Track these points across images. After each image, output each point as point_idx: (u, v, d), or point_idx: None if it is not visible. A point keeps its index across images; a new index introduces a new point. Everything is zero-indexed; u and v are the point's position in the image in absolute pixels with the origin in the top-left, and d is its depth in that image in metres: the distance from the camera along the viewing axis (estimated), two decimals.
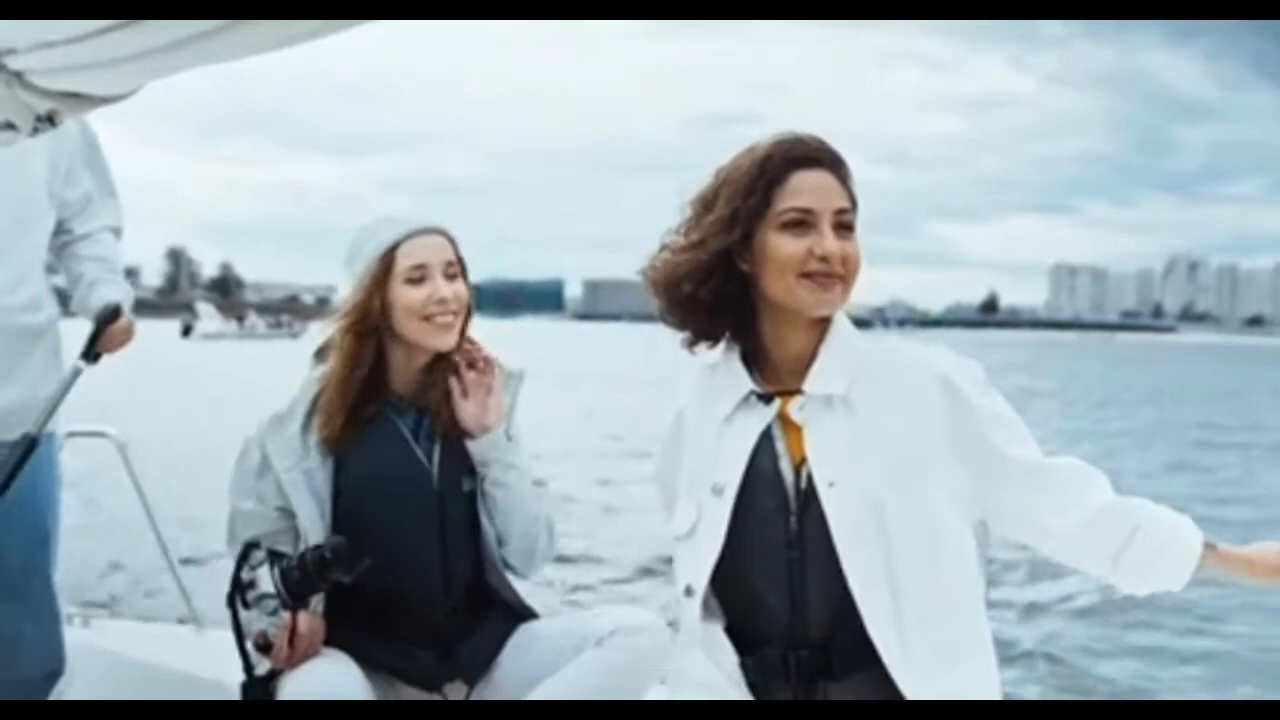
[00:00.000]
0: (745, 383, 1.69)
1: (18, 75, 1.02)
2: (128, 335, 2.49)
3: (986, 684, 1.61)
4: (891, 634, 1.55)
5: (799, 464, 1.63)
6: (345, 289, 2.09)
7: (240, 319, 77.77)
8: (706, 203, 1.68)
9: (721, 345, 1.73)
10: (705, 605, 1.66)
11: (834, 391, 1.64)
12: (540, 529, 2.10)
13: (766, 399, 1.67)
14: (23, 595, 2.43)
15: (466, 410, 2.05)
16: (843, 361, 1.66)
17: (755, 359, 1.72)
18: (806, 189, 1.63)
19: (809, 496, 1.61)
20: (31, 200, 2.42)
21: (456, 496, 2.06)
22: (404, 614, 2.03)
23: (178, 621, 2.97)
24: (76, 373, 2.35)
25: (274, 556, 1.95)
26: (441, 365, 2.08)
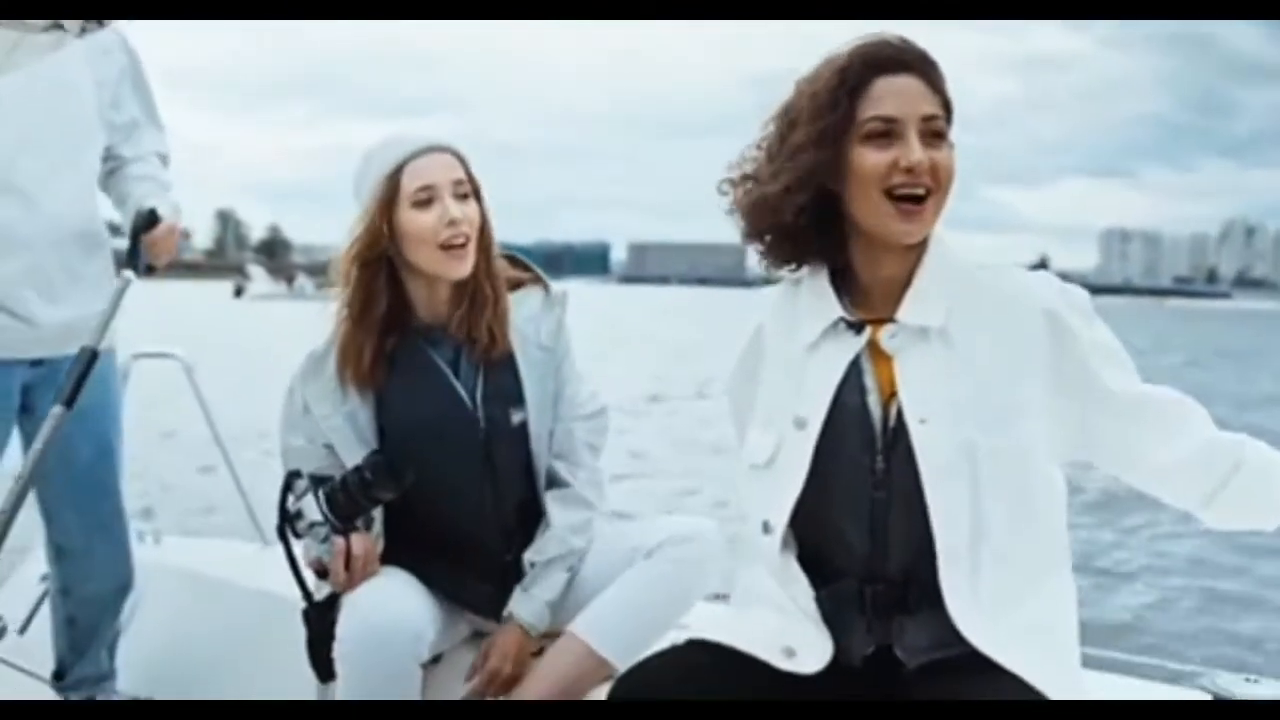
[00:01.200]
0: (834, 308, 1.59)
1: None
2: (171, 242, 2.48)
3: (1053, 625, 1.52)
4: (962, 579, 1.48)
5: (888, 399, 1.54)
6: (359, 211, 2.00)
7: (290, 280, 78.62)
8: (790, 120, 1.57)
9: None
10: (782, 539, 1.59)
11: (930, 323, 1.54)
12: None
13: (856, 327, 1.57)
14: (91, 508, 2.50)
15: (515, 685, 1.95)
16: (940, 288, 1.55)
17: (844, 281, 1.61)
18: (889, 95, 1.51)
19: (898, 434, 1.52)
20: (83, 119, 2.45)
21: (503, 430, 2.02)
22: (460, 547, 2.02)
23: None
24: (126, 283, 2.36)
25: (317, 482, 1.94)
26: (469, 291, 2.00)
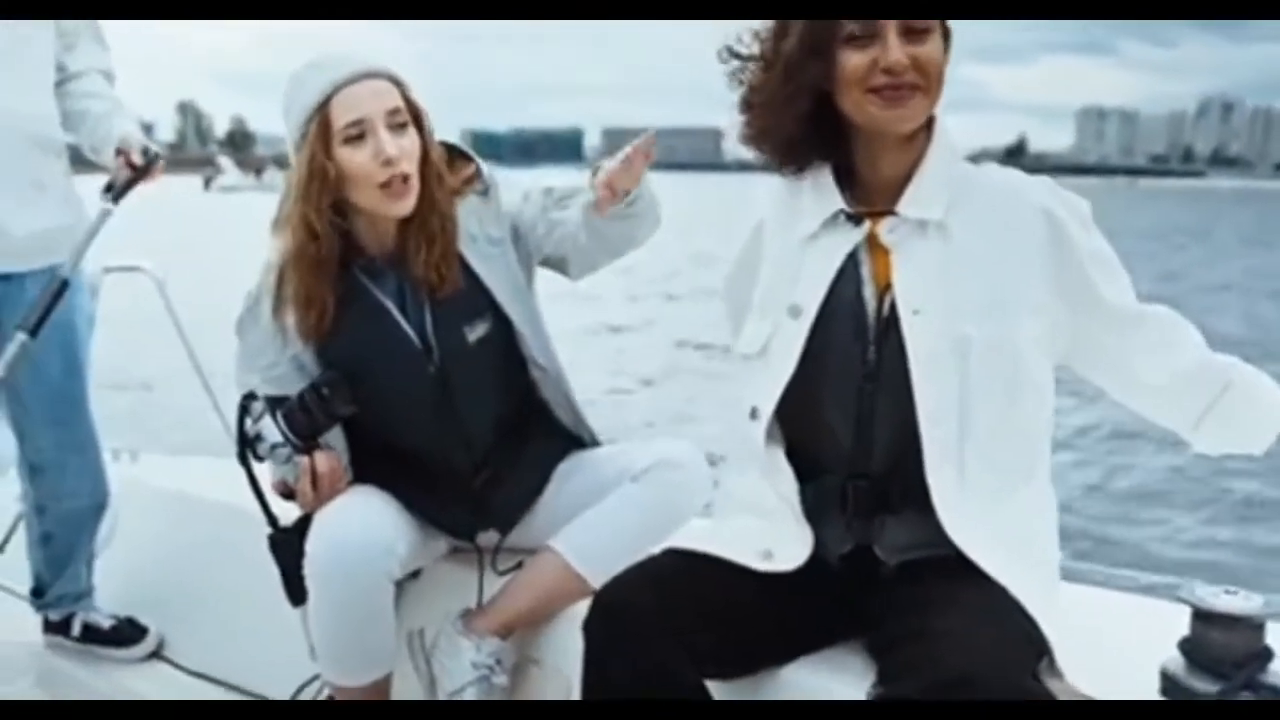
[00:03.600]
0: (835, 200, 1.59)
1: None
2: (157, 176, 2.43)
3: (1034, 531, 1.53)
4: (949, 474, 1.49)
5: (883, 290, 1.55)
6: (289, 143, 1.88)
7: (258, 172, 77.59)
8: (784, 26, 1.58)
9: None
10: (768, 429, 1.60)
11: (929, 216, 1.54)
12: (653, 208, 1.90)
13: (856, 220, 1.58)
14: (65, 424, 2.48)
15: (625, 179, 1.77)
16: (941, 184, 1.56)
17: (846, 176, 1.62)
18: None
19: (890, 325, 1.53)
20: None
21: (459, 354, 1.92)
22: (428, 474, 1.97)
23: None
24: (106, 214, 2.30)
25: (274, 404, 1.89)
26: (414, 228, 1.89)
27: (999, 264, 1.53)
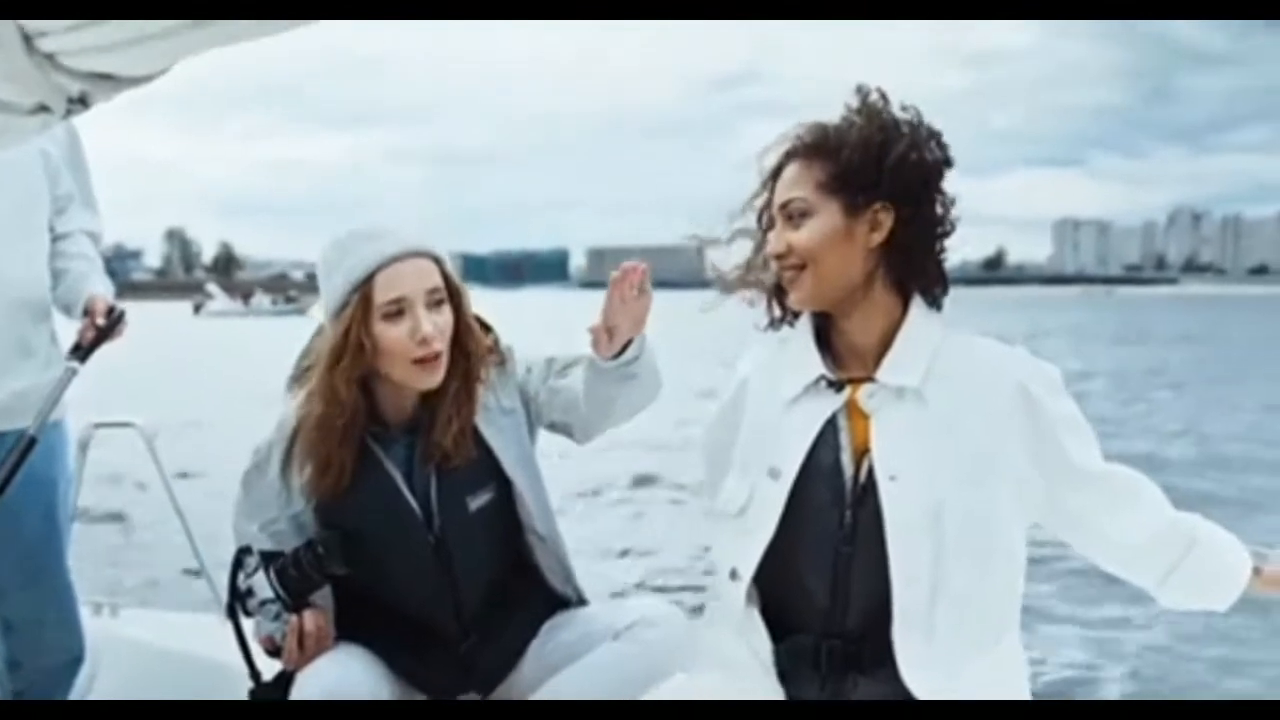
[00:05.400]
0: (816, 366, 1.63)
1: (49, 57, 1.01)
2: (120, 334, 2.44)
3: (1003, 687, 1.57)
4: (916, 635, 1.51)
5: (860, 455, 1.58)
6: (324, 307, 1.89)
7: (246, 297, 78.53)
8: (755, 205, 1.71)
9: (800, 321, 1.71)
10: (747, 591, 1.61)
11: (907, 383, 1.58)
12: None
13: (837, 385, 1.62)
14: (41, 581, 2.45)
15: (623, 326, 1.81)
16: (919, 352, 1.60)
17: (828, 340, 1.66)
18: (777, 189, 1.64)
19: (867, 490, 1.56)
20: (33, 185, 2.43)
21: (463, 524, 1.92)
22: (416, 634, 1.97)
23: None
24: (71, 373, 2.31)
25: (268, 559, 1.88)
26: (437, 400, 1.90)
27: (975, 433, 1.57)
